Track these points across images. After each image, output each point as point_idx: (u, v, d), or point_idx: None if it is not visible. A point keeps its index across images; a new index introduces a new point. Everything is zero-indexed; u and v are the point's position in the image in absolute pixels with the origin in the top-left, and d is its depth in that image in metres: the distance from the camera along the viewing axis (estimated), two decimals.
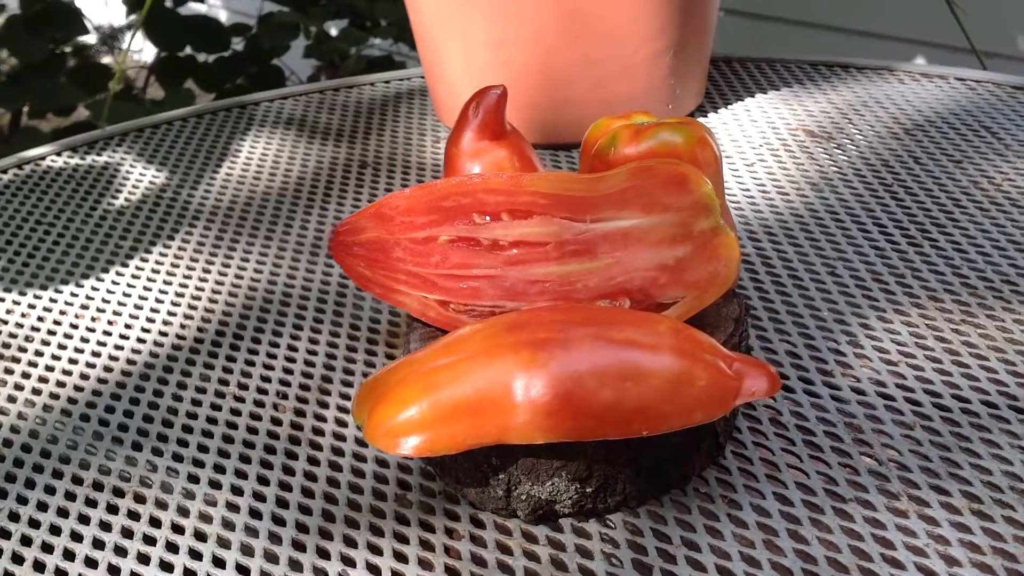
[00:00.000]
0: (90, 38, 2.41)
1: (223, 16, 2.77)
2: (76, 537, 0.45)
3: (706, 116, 0.80)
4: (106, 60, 2.91)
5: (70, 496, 0.47)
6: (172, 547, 0.44)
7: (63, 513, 0.46)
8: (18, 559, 0.44)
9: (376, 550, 0.43)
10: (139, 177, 0.78)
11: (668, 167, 0.43)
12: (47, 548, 0.44)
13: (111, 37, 3.01)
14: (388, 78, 0.93)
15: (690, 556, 0.42)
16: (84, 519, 0.46)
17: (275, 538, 0.44)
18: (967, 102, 0.79)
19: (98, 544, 0.44)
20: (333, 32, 2.16)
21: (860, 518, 0.43)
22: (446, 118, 0.81)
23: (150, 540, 0.44)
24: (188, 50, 1.88)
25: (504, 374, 0.40)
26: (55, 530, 0.45)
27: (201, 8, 2.56)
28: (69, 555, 0.44)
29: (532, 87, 0.75)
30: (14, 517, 0.46)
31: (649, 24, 0.73)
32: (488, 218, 0.45)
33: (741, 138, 0.76)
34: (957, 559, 0.40)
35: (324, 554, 0.43)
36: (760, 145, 0.75)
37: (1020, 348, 0.51)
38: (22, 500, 0.47)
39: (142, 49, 2.98)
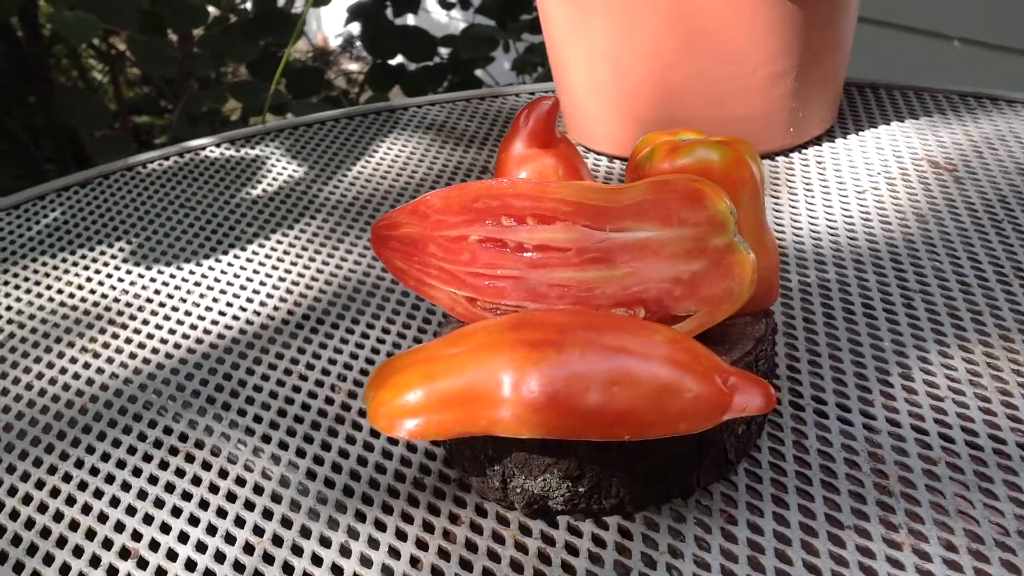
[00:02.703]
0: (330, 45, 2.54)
1: (460, 27, 2.87)
2: (125, 487, 0.49)
3: (832, 141, 0.79)
4: (352, 67, 3.08)
5: (131, 450, 0.52)
6: (204, 504, 0.48)
7: (120, 465, 0.51)
8: (71, 501, 0.49)
9: (381, 526, 0.46)
10: (281, 171, 0.83)
11: (685, 182, 0.44)
12: (97, 494, 0.49)
13: (350, 45, 3.17)
14: (533, 90, 0.96)
15: (671, 563, 0.42)
16: (136, 471, 0.50)
17: (295, 505, 0.47)
18: None
19: (141, 495, 0.49)
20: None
21: (852, 546, 0.42)
22: (570, 129, 0.83)
23: (187, 496, 0.48)
24: (400, 59, 1.97)
25: (498, 369, 0.42)
26: (109, 479, 0.50)
27: (440, 20, 2.66)
28: (115, 502, 0.49)
29: (649, 102, 0.76)
30: (79, 464, 0.51)
31: (768, 45, 0.73)
32: (515, 221, 0.47)
33: (861, 165, 0.75)
34: None
35: (334, 525, 0.46)
36: (878, 173, 0.74)
37: None
38: (90, 450, 0.52)
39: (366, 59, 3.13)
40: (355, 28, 2.76)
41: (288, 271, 0.68)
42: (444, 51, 2.00)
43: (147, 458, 0.51)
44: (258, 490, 0.48)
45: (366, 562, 0.44)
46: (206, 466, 0.50)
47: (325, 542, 0.45)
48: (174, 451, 0.52)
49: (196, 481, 0.49)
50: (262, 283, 0.67)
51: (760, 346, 0.46)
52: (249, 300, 0.65)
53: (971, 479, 0.45)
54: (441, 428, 0.42)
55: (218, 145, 0.89)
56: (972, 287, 0.59)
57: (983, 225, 0.65)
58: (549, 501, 0.44)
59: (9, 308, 0.65)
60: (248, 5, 1.99)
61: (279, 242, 0.72)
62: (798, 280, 0.61)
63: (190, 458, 0.51)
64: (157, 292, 0.66)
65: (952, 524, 0.43)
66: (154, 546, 0.46)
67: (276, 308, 0.63)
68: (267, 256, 0.70)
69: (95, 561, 0.45)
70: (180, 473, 0.50)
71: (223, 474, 0.50)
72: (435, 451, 0.50)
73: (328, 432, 0.52)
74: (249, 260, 0.70)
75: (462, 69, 1.95)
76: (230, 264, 0.69)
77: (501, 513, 0.46)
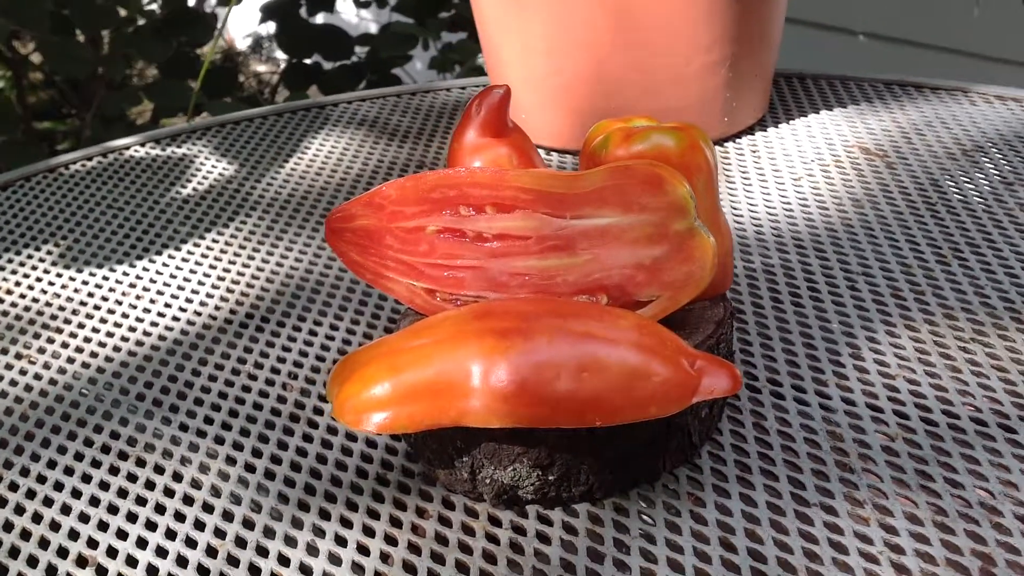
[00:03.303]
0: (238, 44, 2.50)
1: (374, 28, 2.85)
2: (75, 494, 0.48)
3: (765, 130, 0.80)
4: (260, 67, 3.03)
5: (78, 456, 0.50)
6: (160, 508, 0.47)
7: (68, 471, 0.49)
8: (20, 510, 0.47)
9: (347, 523, 0.45)
10: (210, 169, 0.81)
11: (645, 168, 0.44)
12: (47, 502, 0.48)
13: (259, 45, 3.13)
14: (464, 84, 0.96)
15: (644, 548, 0.42)
16: (86, 478, 0.49)
17: (256, 506, 0.46)
18: None
19: (94, 502, 0.47)
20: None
21: (820, 523, 0.43)
22: None
23: (142, 501, 0.47)
24: (317, 58, 1.95)
25: (465, 359, 0.41)
26: (58, 486, 0.48)
27: (349, 20, 2.64)
28: (66, 509, 0.47)
29: (585, 94, 0.76)
30: (24, 472, 0.49)
31: (702, 36, 0.73)
32: (473, 211, 0.46)
33: (795, 153, 0.76)
34: (908, 568, 0.40)
35: (298, 524, 0.45)
36: (812, 160, 0.75)
37: (1023, 368, 0.50)
38: (35, 457, 0.50)
39: (285, 59, 3.09)
40: (266, 28, 2.72)
41: (227, 270, 0.66)
42: (360, 50, 1.98)
43: (96, 464, 0.50)
44: (215, 492, 0.47)
45: (335, 560, 0.43)
46: (159, 470, 0.49)
47: (291, 541, 0.44)
48: (123, 456, 0.50)
49: (149, 485, 0.48)
50: (200, 283, 0.65)
51: (720, 329, 0.46)
52: (188, 301, 0.63)
53: (929, 454, 0.46)
54: (410, 420, 0.42)
55: (142, 145, 0.87)
56: (913, 268, 0.60)
57: (918, 208, 0.67)
58: (519, 491, 0.44)
59: None
60: (156, 6, 1.95)
61: (215, 241, 0.70)
62: (743, 265, 0.62)
63: (141, 462, 0.50)
64: (91, 295, 0.64)
65: (915, 498, 0.43)
66: (112, 553, 0.44)
67: (217, 308, 0.62)
68: (203, 256, 0.68)
69: (51, 570, 0.44)
70: (132, 478, 0.49)
71: (177, 477, 0.48)
72: (396, 446, 0.49)
73: (283, 431, 0.51)
74: (185, 260, 0.68)
75: (380, 68, 1.94)
76: (165, 265, 0.68)
77: (469, 505, 0.45)
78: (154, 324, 0.61)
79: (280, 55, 3.01)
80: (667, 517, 0.44)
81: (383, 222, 0.47)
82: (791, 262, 0.62)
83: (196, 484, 0.48)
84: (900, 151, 0.75)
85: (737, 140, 0.79)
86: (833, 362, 0.52)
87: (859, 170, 0.72)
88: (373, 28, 2.68)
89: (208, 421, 0.52)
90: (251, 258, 0.68)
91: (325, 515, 0.45)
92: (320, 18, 2.46)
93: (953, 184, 0.69)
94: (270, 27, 2.50)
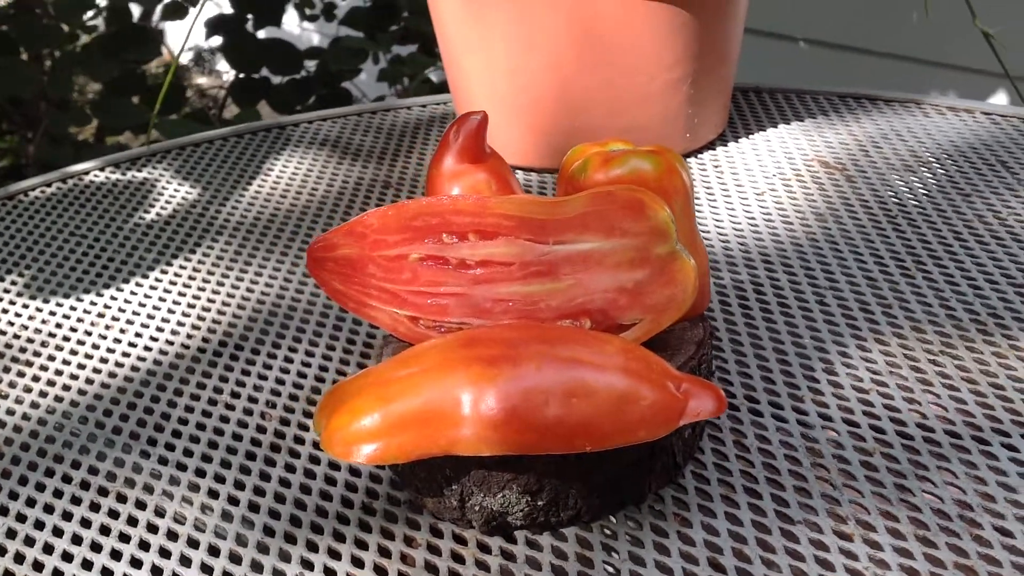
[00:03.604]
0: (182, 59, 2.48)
1: (316, 39, 2.84)
2: (57, 532, 0.47)
3: (725, 145, 0.81)
4: (201, 80, 3.01)
5: (57, 493, 0.50)
6: (144, 545, 0.46)
7: (48, 509, 0.49)
8: (0, 550, 0.47)
9: (335, 555, 0.45)
10: (173, 193, 0.81)
11: (626, 193, 0.45)
12: (28, 541, 0.47)
13: (201, 59, 3.10)
14: (425, 102, 0.96)
15: (634, 570, 0.43)
16: (67, 515, 0.48)
17: (242, 540, 0.46)
18: (988, 136, 0.79)
19: (76, 540, 0.47)
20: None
21: (805, 540, 0.43)
22: None
23: (125, 538, 0.47)
24: (265, 72, 1.94)
25: (454, 388, 0.42)
26: (39, 525, 0.48)
27: (292, 32, 2.62)
28: (48, 548, 0.47)
29: (550, 114, 0.77)
30: (3, 511, 0.49)
31: (665, 54, 0.74)
32: (456, 238, 0.47)
33: (756, 168, 0.77)
34: None
35: (286, 557, 0.45)
36: (773, 175, 0.76)
37: (993, 380, 0.52)
38: (13, 495, 0.50)
39: (228, 72, 3.07)
40: (208, 42, 2.70)
41: (196, 297, 0.66)
42: (310, 64, 1.98)
43: (76, 501, 0.49)
44: (199, 527, 0.47)
45: None
46: (140, 505, 0.49)
47: (279, 575, 0.44)
48: (103, 492, 0.50)
49: (132, 521, 0.48)
50: (170, 311, 0.65)
51: (701, 350, 0.47)
52: (159, 329, 0.63)
53: (907, 468, 0.47)
54: (400, 451, 0.42)
55: (102, 169, 0.86)
56: (879, 282, 0.61)
57: (879, 221, 0.68)
58: (508, 517, 0.44)
59: None
60: (99, 22, 1.93)
61: (182, 267, 0.70)
62: (714, 283, 0.62)
63: (122, 498, 0.49)
64: (59, 326, 0.64)
65: (896, 513, 0.44)
66: None
67: (189, 336, 0.62)
68: (172, 283, 0.68)
69: None
70: (113, 514, 0.48)
71: (159, 512, 0.48)
72: (380, 474, 0.49)
73: (265, 462, 0.51)
74: (153, 287, 0.67)
75: (331, 82, 1.93)
76: (133, 293, 0.67)
77: (457, 532, 0.45)
78: (126, 355, 0.60)
79: (222, 68, 3.00)
80: (655, 539, 0.44)
81: (365, 251, 0.47)
82: (760, 278, 0.63)
83: (179, 519, 0.48)
84: (858, 164, 0.76)
85: (699, 156, 0.80)
86: (808, 377, 0.53)
87: (820, 184, 0.74)
88: (316, 40, 2.67)
89: (187, 453, 0.52)
90: (220, 284, 0.67)
91: (313, 547, 0.45)
92: (259, 34, 2.45)
93: (912, 196, 0.71)
94: (212, 41, 2.48)
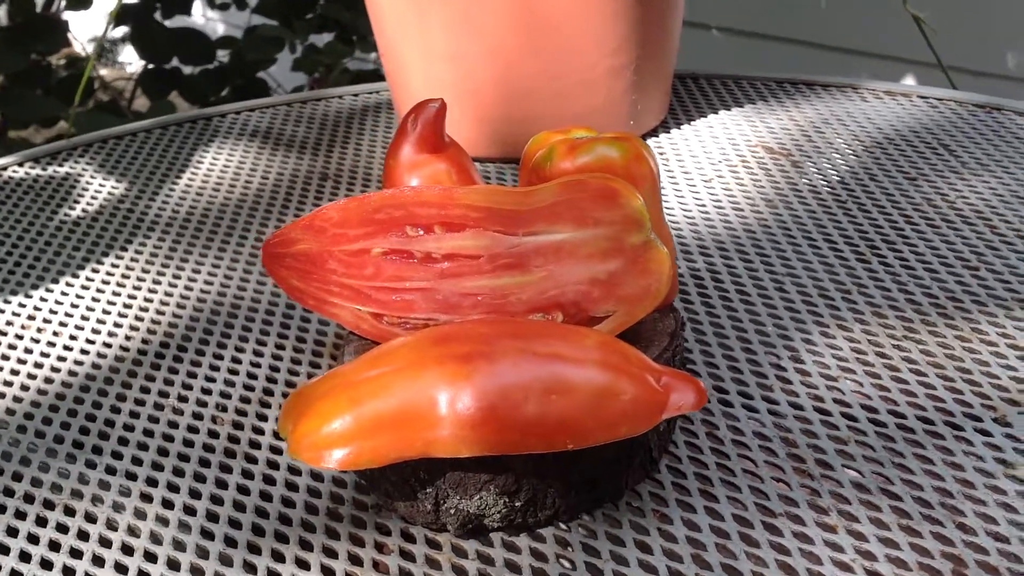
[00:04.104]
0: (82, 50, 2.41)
1: (220, 29, 2.77)
2: (3, 550, 0.44)
3: (668, 132, 0.80)
4: (103, 72, 2.92)
5: (0, 508, 0.47)
6: (98, 560, 0.44)
7: None
8: None
9: (304, 564, 0.43)
10: (99, 188, 0.77)
11: (598, 181, 0.43)
12: None
13: (105, 49, 3.01)
14: (357, 91, 0.93)
15: (617, 570, 0.41)
16: (12, 531, 0.45)
17: (202, 552, 0.44)
18: (928, 120, 0.79)
19: (24, 557, 0.44)
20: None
21: (789, 533, 0.42)
22: None
23: (76, 553, 0.44)
24: (175, 62, 1.88)
25: (429, 387, 0.40)
26: None
27: (195, 21, 2.56)
28: None
29: (491, 101, 0.75)
30: None
31: (608, 40, 0.73)
32: (421, 231, 0.45)
33: (701, 154, 0.76)
34: (882, 574, 0.40)
35: (251, 568, 0.43)
36: (719, 161, 0.75)
37: (959, 364, 0.51)
38: None
39: (131, 63, 2.98)
40: (115, 32, 2.62)
41: (132, 297, 0.63)
42: (223, 53, 1.93)
43: (20, 515, 0.46)
44: (156, 539, 0.45)
45: None
46: (90, 518, 0.46)
47: None
48: (49, 504, 0.47)
49: (83, 535, 0.45)
50: (105, 311, 0.62)
51: (675, 341, 0.46)
52: (95, 331, 0.60)
53: (883, 456, 0.46)
54: (374, 455, 0.40)
55: (21, 164, 0.82)
56: (835, 267, 0.61)
57: (829, 207, 0.68)
58: (485, 519, 0.42)
59: None
60: (1, 13, 1.86)
61: (114, 266, 0.67)
62: None
63: (70, 511, 0.46)
64: None
65: (877, 502, 0.44)
66: None
67: (128, 338, 0.59)
68: (104, 282, 0.65)
69: None
70: (62, 528, 0.45)
71: (111, 525, 0.45)
72: (344, 478, 0.47)
73: (220, 468, 0.48)
74: (85, 288, 0.64)
75: (245, 72, 1.89)
76: (64, 294, 0.64)
77: (430, 536, 0.44)
78: (61, 359, 0.57)
79: (126, 60, 2.91)
80: (636, 537, 0.43)
81: (325, 245, 0.45)
82: (716, 265, 0.62)
83: (134, 531, 0.45)
84: (803, 149, 0.76)
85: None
86: (774, 366, 0.52)
87: (766, 169, 0.73)
88: (221, 30, 2.62)
89: (136, 462, 0.49)
90: (156, 283, 0.64)
91: (279, 557, 0.43)
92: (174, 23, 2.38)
93: (859, 181, 0.70)
94: (117, 30, 2.41)
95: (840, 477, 0.45)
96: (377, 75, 1.85)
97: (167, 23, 1.90)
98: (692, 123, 0.82)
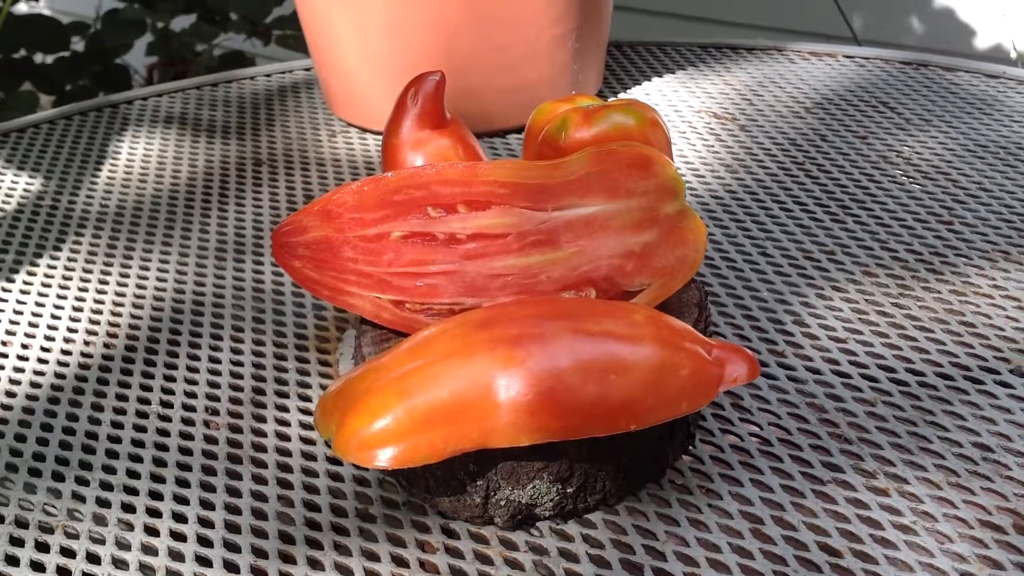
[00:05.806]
0: None
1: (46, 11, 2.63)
2: None
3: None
4: None
5: None
6: None
7: None
8: None
9: (346, 571, 0.40)
10: (12, 184, 0.72)
11: (630, 150, 0.42)
12: None
13: None
14: (269, 71, 0.89)
15: (679, 551, 0.40)
16: (12, 560, 0.41)
17: (232, 567, 0.40)
18: (860, 79, 0.80)
19: None
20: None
21: (842, 499, 0.42)
22: (340, 110, 0.78)
23: None
24: (24, 52, 1.78)
25: (481, 375, 0.38)
26: None
27: (42, 8, 2.43)
28: None
29: None
30: None
31: (551, 9, 0.71)
32: (443, 211, 0.42)
33: None
34: (948, 535, 0.40)
35: None
36: (668, 128, 0.74)
37: (962, 319, 0.52)
38: None
39: None
40: None
41: (81, 299, 0.58)
42: (76, 40, 1.83)
43: (17, 542, 0.42)
44: (177, 556, 0.41)
45: None
46: (96, 540, 0.42)
47: None
48: (47, 528, 0.43)
49: (93, 559, 0.41)
50: (55, 316, 0.57)
51: (704, 312, 0.45)
52: (49, 339, 0.55)
53: (914, 415, 0.46)
54: (431, 450, 0.37)
55: None
56: (812, 229, 0.61)
57: (790, 169, 0.68)
58: (536, 508, 0.40)
59: None
60: None
61: (52, 267, 0.62)
62: None
63: (71, 534, 0.42)
64: None
65: (921, 462, 0.43)
66: None
67: (87, 343, 0.54)
68: (45, 285, 0.60)
69: None
70: (68, 553, 0.41)
71: (123, 545, 0.42)
72: (366, 476, 0.44)
73: (228, 475, 0.45)
74: (24, 292, 0.59)
75: (104, 58, 1.80)
76: (3, 300, 0.59)
77: (473, 531, 0.41)
78: (19, 370, 0.53)
79: None
80: (688, 515, 0.42)
81: (340, 232, 0.42)
82: None
83: (150, 550, 0.41)
84: (746, 113, 0.76)
85: None
86: (781, 332, 0.52)
87: (717, 135, 0.73)
88: (43, 10, 2.48)
89: (133, 475, 0.45)
90: (104, 282, 0.60)
91: (316, 565, 0.40)
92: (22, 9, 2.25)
93: (811, 142, 0.71)
94: None
95: (877, 439, 0.45)
96: (244, 58, 1.78)
97: (11, 10, 1.79)
98: (629, 91, 0.81)
